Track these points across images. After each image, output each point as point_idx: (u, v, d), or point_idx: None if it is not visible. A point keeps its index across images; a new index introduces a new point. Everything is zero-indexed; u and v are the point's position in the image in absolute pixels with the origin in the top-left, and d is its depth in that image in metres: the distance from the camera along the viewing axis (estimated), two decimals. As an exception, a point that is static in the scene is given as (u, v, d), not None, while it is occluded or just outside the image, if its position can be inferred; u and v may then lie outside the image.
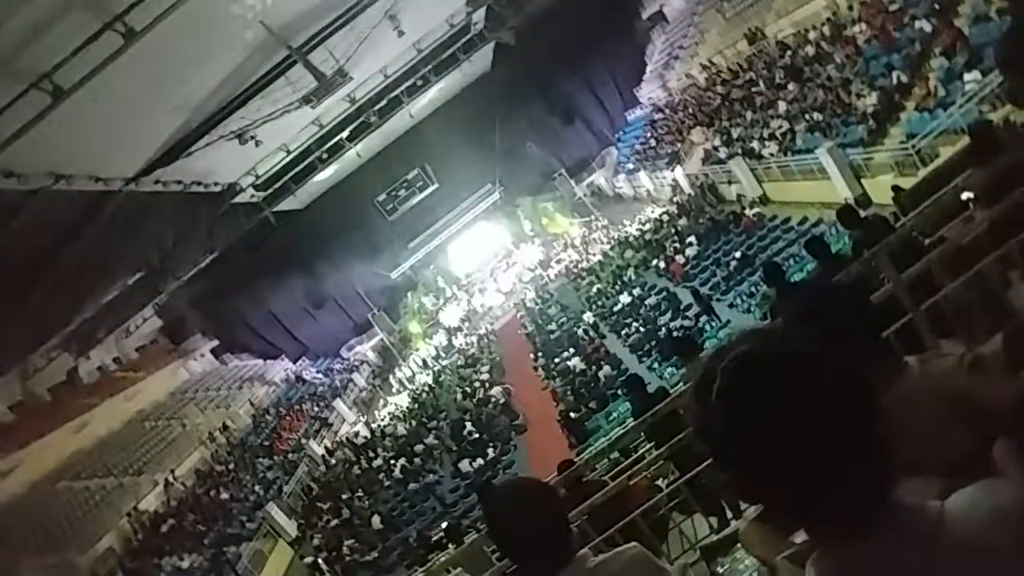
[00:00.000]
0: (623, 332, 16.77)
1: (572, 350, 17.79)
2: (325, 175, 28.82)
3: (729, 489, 0.79)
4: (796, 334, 0.79)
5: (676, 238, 19.46)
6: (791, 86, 17.88)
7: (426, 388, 24.74)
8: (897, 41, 14.19)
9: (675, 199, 23.32)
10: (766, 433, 0.70)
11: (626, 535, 3.40)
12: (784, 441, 0.69)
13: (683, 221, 20.51)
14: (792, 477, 0.71)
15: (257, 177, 25.10)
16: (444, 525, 8.96)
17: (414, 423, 20.83)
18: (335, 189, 32.29)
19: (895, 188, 8.60)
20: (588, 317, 19.80)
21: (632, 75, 33.00)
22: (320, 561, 15.12)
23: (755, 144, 18.24)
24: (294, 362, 33.63)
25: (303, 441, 23.99)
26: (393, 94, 25.79)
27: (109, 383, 26.88)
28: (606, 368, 15.26)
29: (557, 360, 18.02)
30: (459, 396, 20.67)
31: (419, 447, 18.21)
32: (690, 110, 25.12)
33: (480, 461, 15.28)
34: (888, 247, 3.11)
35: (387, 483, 17.74)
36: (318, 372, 32.80)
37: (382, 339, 32.69)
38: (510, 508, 1.66)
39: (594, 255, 25.99)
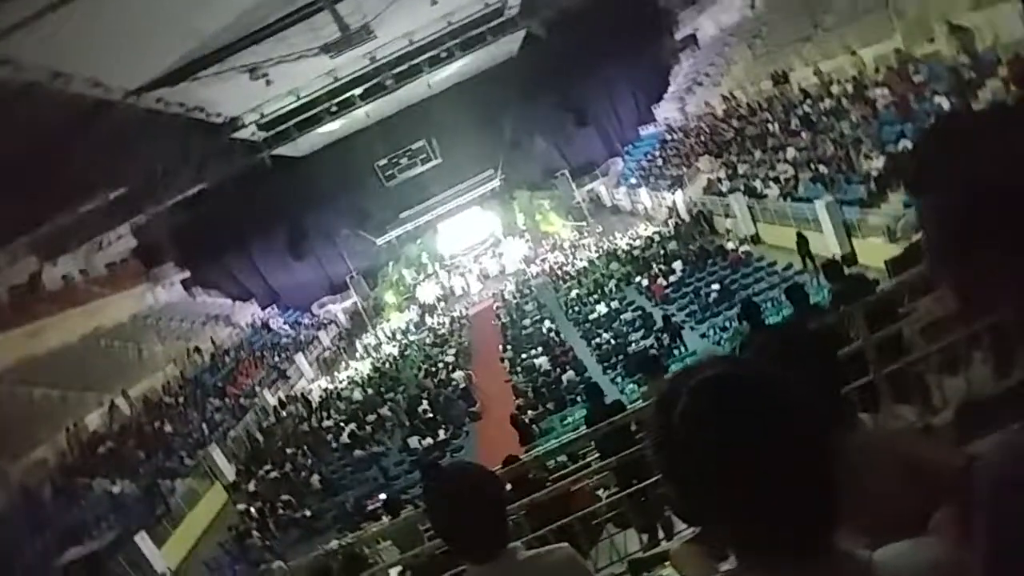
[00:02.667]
0: (594, 341, 16.88)
1: (541, 348, 17.86)
2: (330, 128, 28.47)
3: (675, 506, 0.81)
4: (763, 366, 0.81)
5: (663, 260, 19.61)
6: (804, 134, 18.06)
7: (390, 359, 24.68)
8: (914, 112, 14.39)
9: (670, 221, 23.47)
10: (723, 455, 0.71)
11: (559, 536, 3.43)
12: (739, 465, 0.71)
13: (673, 244, 20.66)
14: (740, 501, 0.72)
15: (262, 116, 24.71)
16: (383, 497, 8.95)
17: (371, 391, 20.76)
18: (337, 144, 31.90)
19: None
20: (551, 324, 19.92)
21: (653, 92, 33.06)
22: (252, 510, 15.04)
23: (758, 183, 18.42)
24: (263, 308, 33.28)
25: (257, 389, 23.80)
26: (415, 61, 25.53)
27: (72, 294, 26.30)
28: (570, 372, 15.34)
29: (525, 356, 18.09)
30: (421, 373, 20.65)
31: (372, 416, 18.17)
32: (702, 138, 25.28)
33: (430, 440, 15.30)
34: (865, 306, 3.17)
35: (334, 446, 17.68)
36: (285, 323, 32.50)
37: (356, 303, 32.51)
38: (453, 490, 1.66)
39: (580, 260, 26.09)
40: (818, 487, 0.73)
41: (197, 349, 26.43)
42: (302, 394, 23.67)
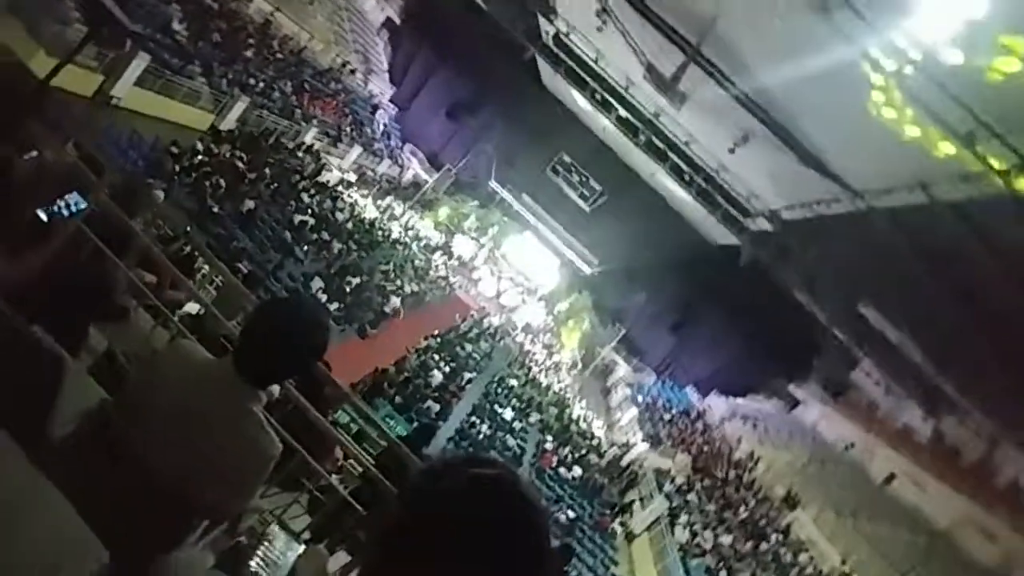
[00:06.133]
0: (473, 418, 16.78)
1: (449, 370, 17.77)
2: (579, 100, 29.08)
3: (371, 531, 0.81)
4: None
5: (576, 456, 19.46)
6: (749, 544, 18.00)
7: (385, 233, 24.73)
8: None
9: (615, 450, 23.31)
10: (465, 533, 0.71)
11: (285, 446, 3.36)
12: (469, 548, 0.70)
13: (594, 458, 20.45)
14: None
15: (566, 34, 25.25)
16: (251, 269, 8.94)
17: (349, 227, 20.80)
18: (565, 114, 32.49)
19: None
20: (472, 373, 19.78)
21: (730, 386, 32.90)
22: (200, 154, 15.08)
23: (683, 517, 18.30)
24: (389, 100, 33.78)
25: (315, 122, 23.94)
26: (668, 154, 25.96)
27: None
28: (436, 407, 15.21)
29: (437, 358, 18.01)
30: (382, 266, 20.65)
31: (326, 235, 18.21)
32: (704, 450, 25.24)
33: (323, 297, 15.25)
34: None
35: (286, 212, 17.66)
36: (384, 124, 32.88)
37: (427, 183, 32.84)
38: (300, 327, 1.65)
39: (544, 377, 25.93)
40: None
41: (345, 65, 26.93)
42: (323, 165, 23.77)
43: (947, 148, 8.45)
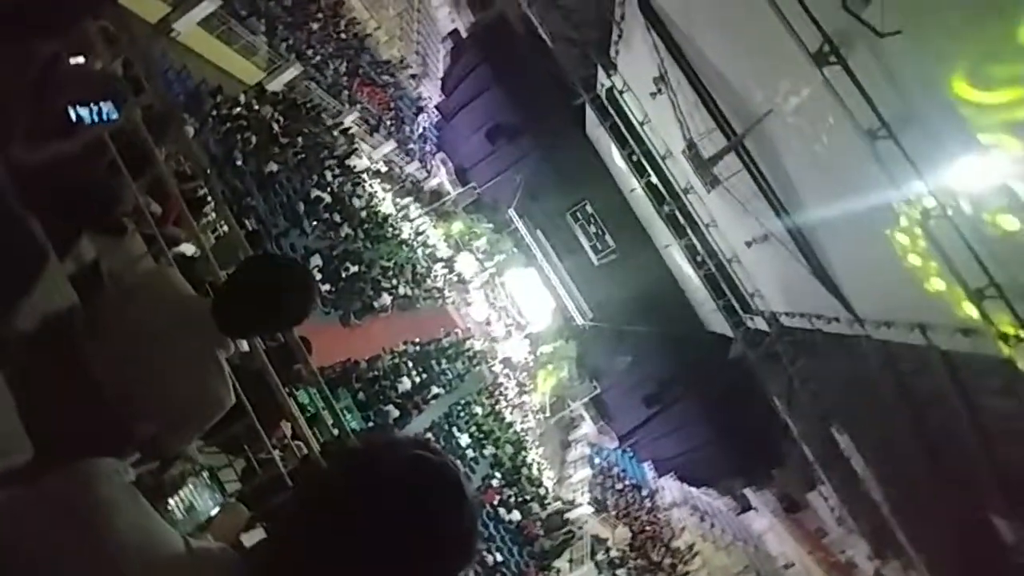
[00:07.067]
0: (430, 433, 16.60)
1: (419, 380, 17.63)
2: (614, 155, 29.45)
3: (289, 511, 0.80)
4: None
5: (519, 500, 19.24)
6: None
7: (396, 232, 24.78)
8: None
9: (558, 504, 23.00)
10: (404, 514, 0.70)
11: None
12: (385, 533, 0.69)
13: (537, 508, 20.17)
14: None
15: (619, 92, 25.72)
16: (256, 228, 8.97)
17: (363, 216, 20.86)
18: (599, 166, 32.79)
19: None
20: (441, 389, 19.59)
21: (695, 476, 32.53)
22: (237, 109, 15.22)
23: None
24: (435, 106, 34.24)
25: (357, 107, 24.22)
26: (687, 231, 26.16)
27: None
28: (395, 413, 15.04)
29: (411, 365, 17.91)
30: (385, 263, 20.65)
31: (338, 217, 18.26)
32: (646, 529, 24.94)
33: (318, 276, 15.22)
34: None
35: (307, 184, 17.73)
36: (423, 127, 33.26)
37: (449, 195, 33.09)
38: (289, 287, 1.66)
39: (509, 412, 25.69)
40: None
41: (403, 62, 27.40)
42: (355, 150, 23.95)
43: (971, 310, 8.34)
